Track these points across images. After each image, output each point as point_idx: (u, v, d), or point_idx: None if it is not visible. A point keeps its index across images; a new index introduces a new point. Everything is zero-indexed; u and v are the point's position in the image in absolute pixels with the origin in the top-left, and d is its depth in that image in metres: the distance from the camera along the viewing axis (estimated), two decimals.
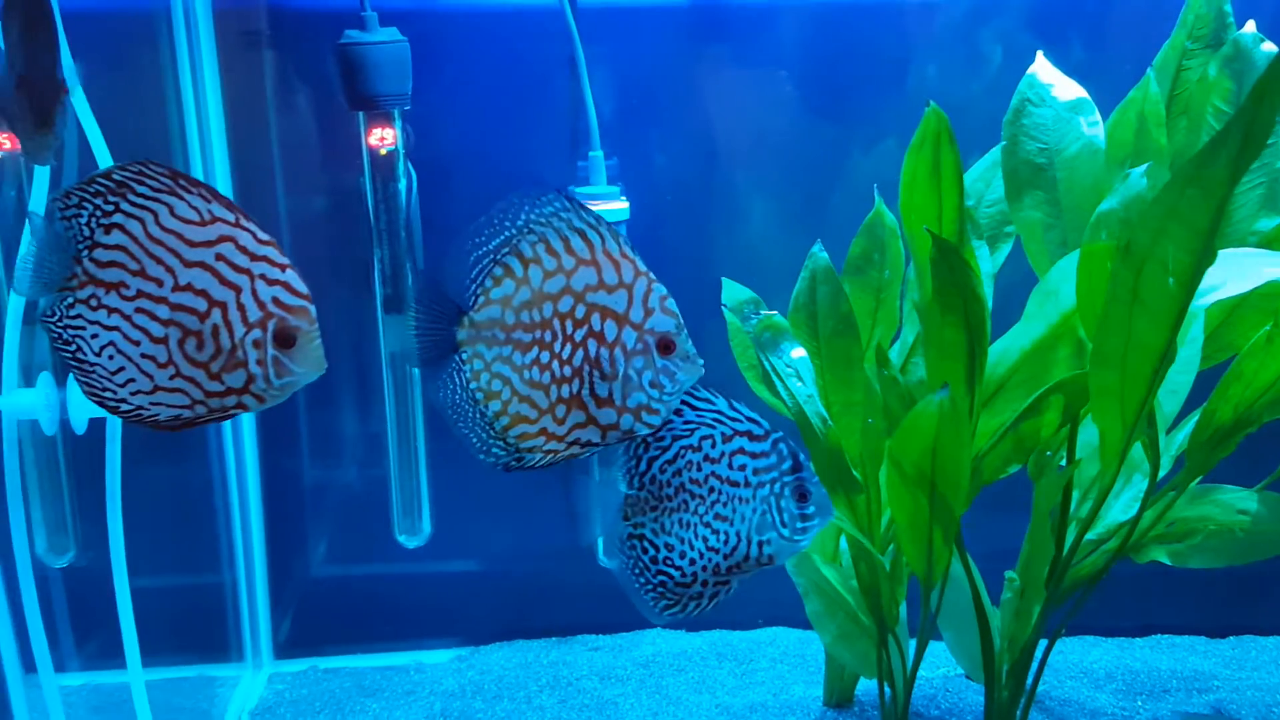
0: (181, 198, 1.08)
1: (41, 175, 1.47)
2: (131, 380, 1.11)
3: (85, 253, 1.09)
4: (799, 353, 1.71)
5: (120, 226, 1.09)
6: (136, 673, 1.67)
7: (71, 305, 1.11)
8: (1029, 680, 1.82)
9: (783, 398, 1.70)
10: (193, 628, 2.20)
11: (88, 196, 1.09)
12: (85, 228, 1.09)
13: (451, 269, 1.17)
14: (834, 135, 2.17)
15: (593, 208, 1.96)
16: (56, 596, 1.78)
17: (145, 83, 1.98)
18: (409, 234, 2.05)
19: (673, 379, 1.14)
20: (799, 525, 1.23)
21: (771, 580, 2.10)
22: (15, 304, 1.49)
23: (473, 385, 1.17)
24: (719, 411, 1.22)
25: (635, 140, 2.14)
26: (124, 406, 1.12)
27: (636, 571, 1.27)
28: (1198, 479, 1.75)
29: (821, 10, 2.12)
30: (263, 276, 1.08)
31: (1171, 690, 2.12)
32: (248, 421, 2.21)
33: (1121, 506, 1.80)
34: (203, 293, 1.08)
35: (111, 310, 1.10)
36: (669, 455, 1.24)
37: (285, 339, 1.09)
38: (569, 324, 1.14)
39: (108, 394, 1.11)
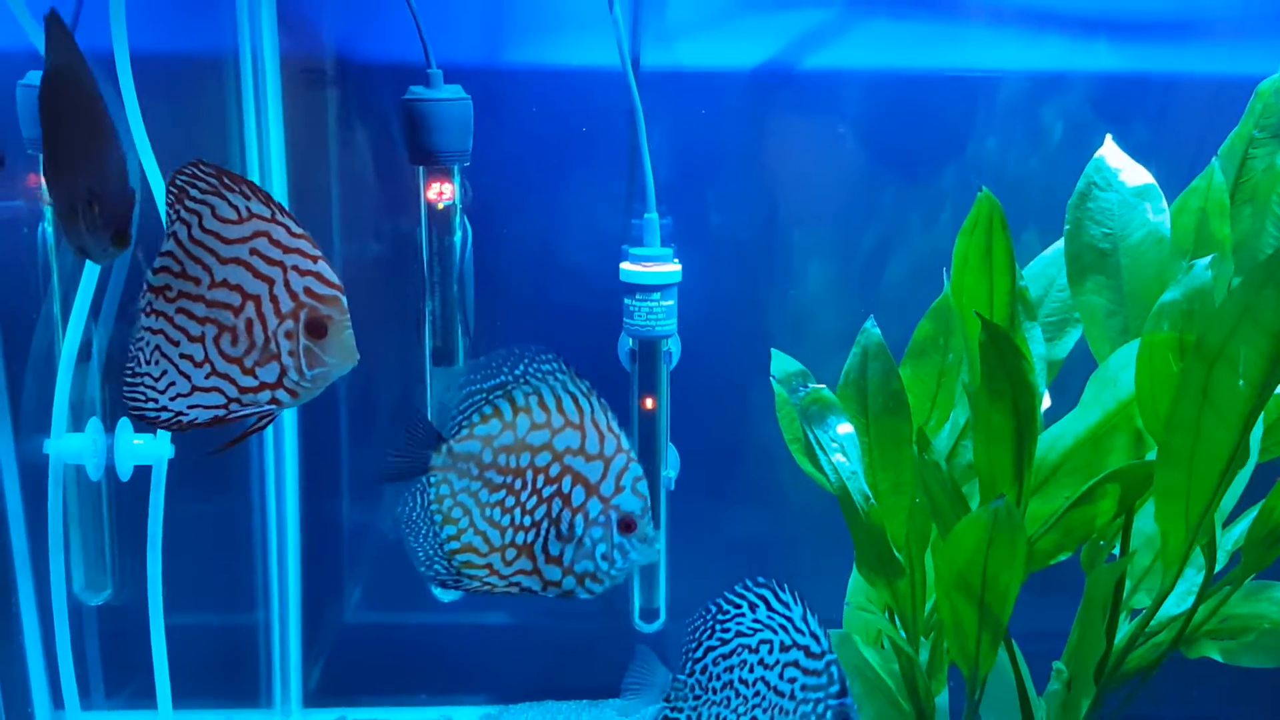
0: (224, 197, 1.09)
1: None
2: (172, 384, 1.12)
3: (148, 264, 1.13)
4: (845, 428, 1.69)
5: (175, 235, 1.11)
6: (167, 715, 1.67)
7: (136, 316, 1.14)
8: None
9: (826, 472, 1.68)
10: (223, 671, 2.20)
11: (169, 208, 1.12)
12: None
13: (442, 397, 1.23)
14: (891, 204, 2.16)
15: (646, 269, 2.00)
16: (89, 634, 1.78)
17: (209, 126, 2.01)
18: (461, 288, 2.05)
19: (625, 556, 1.18)
20: None
21: None
22: (69, 345, 1.51)
23: (433, 507, 1.20)
24: (789, 619, 1.24)
25: (691, 202, 2.14)
26: (164, 415, 1.13)
27: None
28: (1253, 575, 1.70)
29: (881, 79, 2.12)
30: (295, 268, 1.10)
31: None
32: (290, 464, 2.21)
33: (1175, 600, 1.75)
34: (237, 287, 1.10)
35: (159, 314, 1.12)
36: (726, 650, 1.26)
37: (317, 329, 1.10)
38: (540, 478, 1.17)
39: (150, 404, 1.13)
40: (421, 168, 1.99)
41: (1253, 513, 1.68)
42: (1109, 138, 1.77)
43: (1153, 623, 1.73)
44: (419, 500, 1.20)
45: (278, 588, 2.22)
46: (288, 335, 1.10)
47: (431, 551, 1.20)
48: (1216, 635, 1.74)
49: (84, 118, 1.12)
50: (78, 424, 1.56)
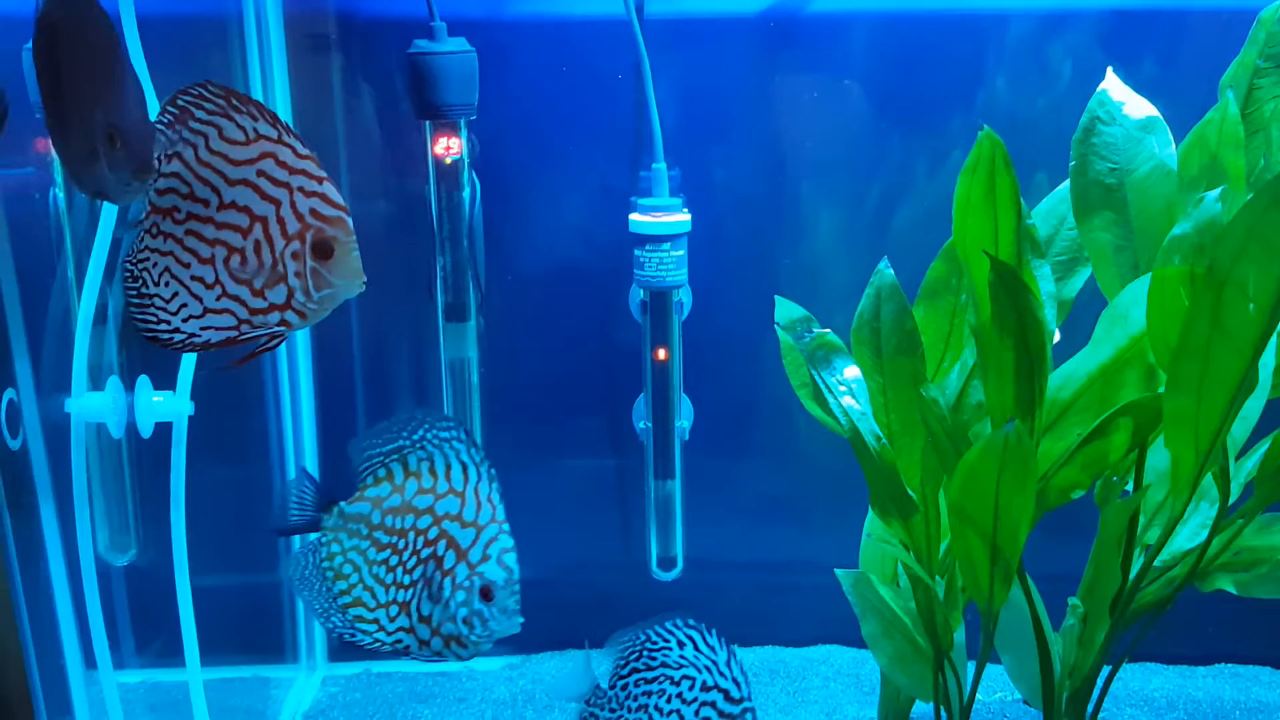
0: (231, 118, 1.08)
1: None
2: (184, 305, 1.12)
3: (151, 183, 1.11)
4: (853, 371, 1.70)
5: (178, 155, 1.10)
6: (195, 672, 1.69)
7: (140, 238, 1.13)
8: (1089, 707, 1.79)
9: (835, 415, 1.69)
10: (248, 628, 2.23)
11: (161, 128, 1.10)
12: (156, 160, 1.10)
13: (346, 457, 1.28)
14: (900, 148, 2.15)
15: (655, 219, 2.00)
16: (117, 595, 1.80)
17: None
18: (471, 242, 2.06)
19: (484, 624, 1.21)
20: None
21: (825, 597, 2.09)
22: (86, 307, 1.52)
23: (325, 564, 1.25)
24: (714, 661, 1.30)
25: (699, 152, 2.14)
26: (178, 337, 1.13)
27: None
28: (1266, 507, 1.71)
29: (889, 22, 2.10)
30: (300, 189, 1.09)
31: None
32: (308, 424, 2.23)
33: (1188, 534, 1.76)
34: (245, 209, 1.09)
35: (167, 235, 1.11)
36: (650, 675, 1.32)
37: (323, 250, 1.09)
38: (420, 540, 1.21)
39: (163, 326, 1.13)
40: (428, 123, 1.99)
41: (1265, 445, 1.69)
42: (1110, 71, 1.76)
43: (1167, 556, 1.74)
44: (310, 559, 1.25)
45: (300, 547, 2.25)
46: (294, 256, 1.10)
47: (327, 605, 1.25)
48: (1230, 568, 1.75)
49: (96, 49, 1.07)
50: (95, 387, 1.58)
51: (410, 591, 1.22)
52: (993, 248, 1.55)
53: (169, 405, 1.58)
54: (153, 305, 1.14)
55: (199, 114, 1.10)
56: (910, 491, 1.69)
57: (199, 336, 1.14)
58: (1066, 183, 1.81)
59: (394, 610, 1.23)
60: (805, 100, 2.14)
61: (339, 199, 1.11)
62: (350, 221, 1.11)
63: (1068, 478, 1.66)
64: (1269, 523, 1.75)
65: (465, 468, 1.22)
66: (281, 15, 2.05)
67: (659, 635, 1.33)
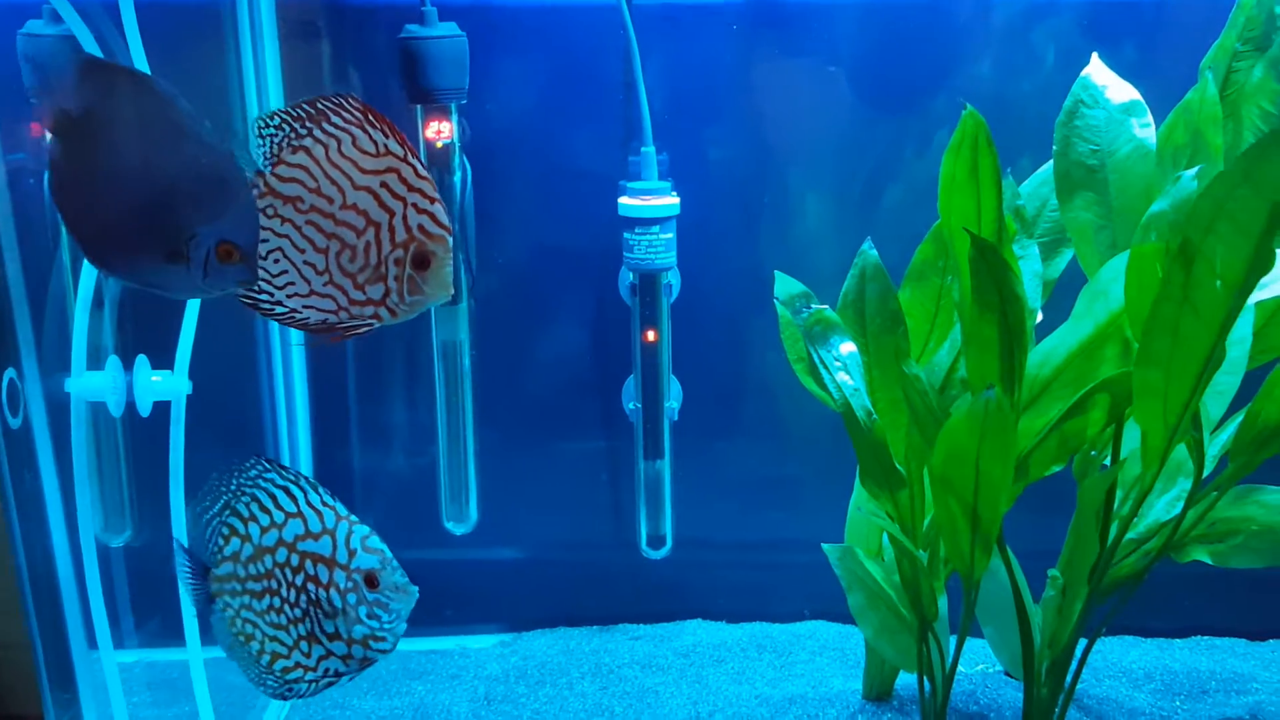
0: (366, 131, 1.21)
1: None
2: (291, 283, 1.25)
3: (269, 167, 1.24)
4: (848, 347, 1.73)
5: (306, 149, 1.22)
6: (195, 651, 1.72)
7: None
8: (1068, 678, 1.83)
9: (829, 390, 1.72)
10: None
11: (288, 120, 1.23)
12: (275, 145, 1.24)
13: (191, 533, 1.34)
14: (886, 132, 2.17)
15: (644, 202, 2.03)
16: (117, 574, 1.83)
17: (209, 74, 2.03)
18: (462, 226, 2.08)
19: (388, 609, 1.26)
20: None
21: (811, 574, 2.12)
22: (85, 288, 1.54)
23: (232, 630, 1.32)
24: None
25: (687, 136, 2.16)
26: (279, 309, 1.26)
27: None
28: (1240, 479, 1.75)
29: (875, 6, 2.13)
30: (414, 205, 1.21)
31: (1210, 691, 2.12)
32: (301, 409, 2.25)
33: (1164, 506, 1.80)
34: (364, 213, 1.22)
35: (285, 220, 1.23)
36: None
37: (422, 261, 1.22)
38: (288, 572, 1.27)
39: (264, 296, 1.25)
40: (419, 107, 2.01)
41: (1239, 417, 1.73)
42: (1095, 56, 1.79)
43: (1145, 529, 1.79)
44: (223, 627, 1.31)
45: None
46: (396, 263, 1.22)
47: (256, 669, 1.30)
48: (1206, 539, 1.80)
49: (201, 164, 1.15)
50: (94, 367, 1.60)
51: (307, 622, 1.27)
52: (975, 225, 1.58)
53: (167, 384, 1.60)
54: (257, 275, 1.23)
55: (335, 119, 1.22)
56: (898, 465, 1.72)
57: (300, 313, 1.26)
58: (1048, 165, 1.85)
59: (305, 645, 1.28)
60: (793, 84, 2.17)
61: (445, 220, 1.23)
62: (450, 241, 1.23)
63: (1048, 452, 1.70)
64: (1243, 494, 1.79)
65: (287, 490, 1.28)
66: (273, 1, 2.06)
67: None
